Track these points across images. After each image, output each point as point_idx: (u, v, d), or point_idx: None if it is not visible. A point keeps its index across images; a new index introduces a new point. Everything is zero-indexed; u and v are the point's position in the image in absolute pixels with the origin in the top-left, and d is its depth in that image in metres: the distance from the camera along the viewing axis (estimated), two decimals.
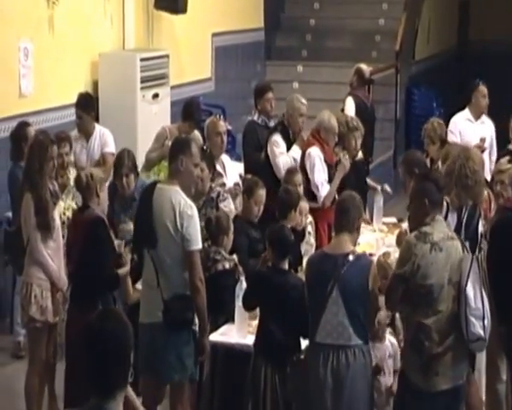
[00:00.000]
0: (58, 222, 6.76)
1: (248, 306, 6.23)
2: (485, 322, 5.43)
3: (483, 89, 9.80)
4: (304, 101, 8.92)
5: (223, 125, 8.50)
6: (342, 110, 10.25)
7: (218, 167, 8.29)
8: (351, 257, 5.59)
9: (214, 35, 12.36)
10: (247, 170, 8.90)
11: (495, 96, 10.12)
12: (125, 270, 6.53)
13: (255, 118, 9.26)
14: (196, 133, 8.78)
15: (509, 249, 6.17)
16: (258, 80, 13.75)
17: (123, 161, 7.54)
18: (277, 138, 8.73)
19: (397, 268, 5.59)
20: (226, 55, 12.65)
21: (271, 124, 9.16)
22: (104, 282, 6.27)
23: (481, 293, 5.47)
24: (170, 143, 7.95)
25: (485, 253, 6.33)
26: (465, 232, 6.40)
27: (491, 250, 6.31)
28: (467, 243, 5.95)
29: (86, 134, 8.68)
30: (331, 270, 5.57)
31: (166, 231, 5.94)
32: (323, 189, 8.34)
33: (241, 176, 8.54)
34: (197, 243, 5.98)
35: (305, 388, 5.73)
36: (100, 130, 8.75)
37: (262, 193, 7.36)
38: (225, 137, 8.54)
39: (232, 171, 8.55)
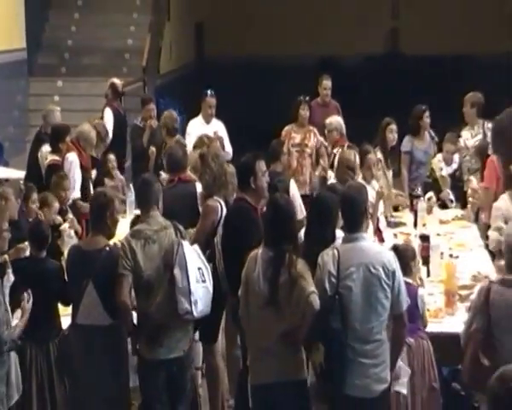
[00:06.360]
0: None
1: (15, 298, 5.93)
2: (192, 298, 5.58)
3: (209, 100, 10.22)
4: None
5: None
6: (101, 118, 11.01)
7: None
8: (103, 252, 5.73)
9: None
10: None
11: (230, 102, 11.03)
12: None
13: (138, 123, 10.62)
14: None
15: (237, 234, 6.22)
16: (23, 95, 14.25)
17: None
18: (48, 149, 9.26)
19: (120, 272, 5.61)
20: None
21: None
22: None
23: (187, 272, 5.60)
24: None
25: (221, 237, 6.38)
26: None
27: (226, 235, 6.37)
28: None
29: None
30: (86, 265, 5.73)
31: None
32: (77, 185, 8.78)
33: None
34: None
35: (70, 362, 5.93)
36: None
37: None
38: None
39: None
